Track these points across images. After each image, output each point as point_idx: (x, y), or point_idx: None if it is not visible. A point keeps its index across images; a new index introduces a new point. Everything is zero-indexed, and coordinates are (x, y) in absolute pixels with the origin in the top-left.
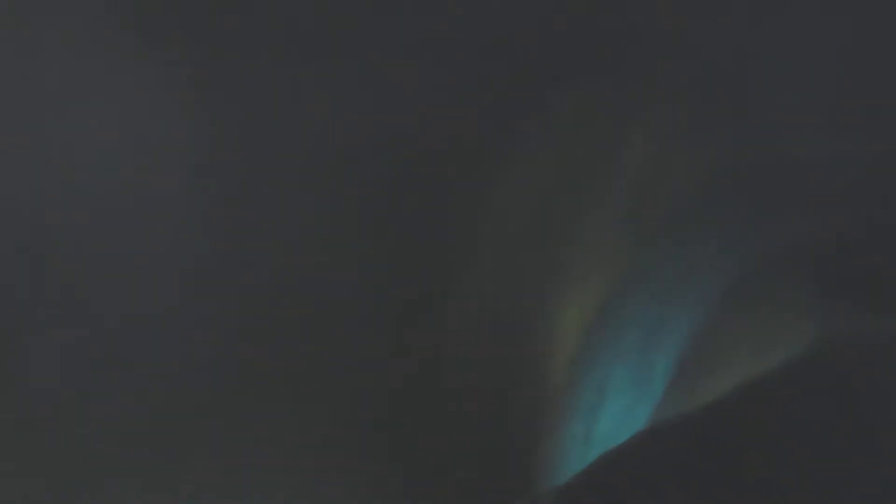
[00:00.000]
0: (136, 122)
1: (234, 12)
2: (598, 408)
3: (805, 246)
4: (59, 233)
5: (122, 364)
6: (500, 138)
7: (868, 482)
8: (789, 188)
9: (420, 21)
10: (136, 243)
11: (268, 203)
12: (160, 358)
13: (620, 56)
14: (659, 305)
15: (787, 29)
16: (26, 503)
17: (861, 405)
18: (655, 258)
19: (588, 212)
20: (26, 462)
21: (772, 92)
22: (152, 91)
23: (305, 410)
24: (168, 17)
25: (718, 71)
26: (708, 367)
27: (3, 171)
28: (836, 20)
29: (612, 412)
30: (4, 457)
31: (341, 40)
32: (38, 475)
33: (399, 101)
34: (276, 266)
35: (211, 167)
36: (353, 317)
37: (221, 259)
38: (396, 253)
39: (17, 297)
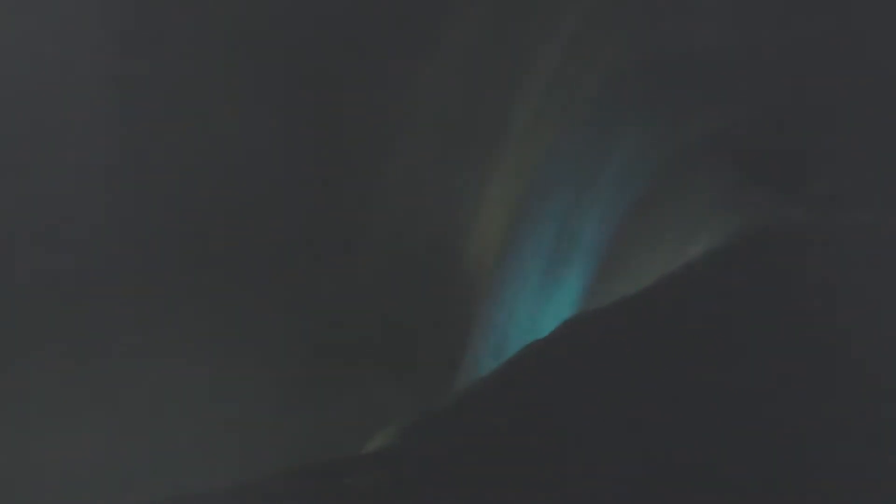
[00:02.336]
0: (56, 20)
1: None
2: (518, 297)
3: (724, 135)
4: None
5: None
6: (424, 27)
7: (789, 367)
8: (705, 78)
9: None
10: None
11: (185, 103)
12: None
13: None
14: (579, 194)
15: None
16: None
17: (782, 294)
18: (576, 147)
19: (509, 102)
20: None
21: None
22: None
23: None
24: None
25: None
26: (631, 258)
27: None
28: None
29: (531, 300)
30: None
31: None
32: None
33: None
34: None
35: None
36: (275, 204)
37: (135, 164)
38: (320, 140)
39: None
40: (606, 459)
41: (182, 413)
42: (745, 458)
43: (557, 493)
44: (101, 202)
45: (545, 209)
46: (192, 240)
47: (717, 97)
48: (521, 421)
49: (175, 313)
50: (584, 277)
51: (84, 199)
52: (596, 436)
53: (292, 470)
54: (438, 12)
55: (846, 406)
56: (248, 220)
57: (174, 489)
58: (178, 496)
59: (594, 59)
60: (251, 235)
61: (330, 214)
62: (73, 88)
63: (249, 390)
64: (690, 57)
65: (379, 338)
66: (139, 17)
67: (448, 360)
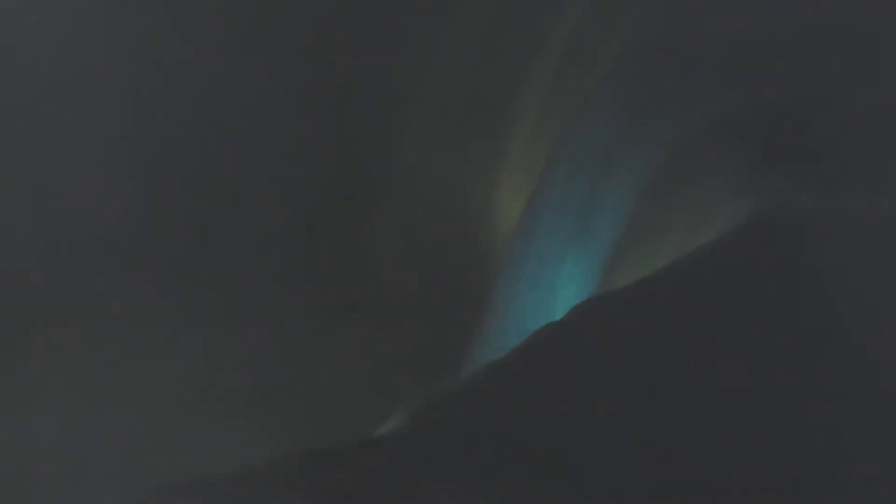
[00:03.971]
0: None
1: None
2: (539, 278)
3: (736, 120)
4: None
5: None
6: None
7: (798, 351)
8: (716, 63)
9: None
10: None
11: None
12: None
13: None
14: (595, 176)
15: None
16: None
17: (793, 277)
18: (588, 133)
19: (522, 85)
20: None
21: None
22: None
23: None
24: None
25: None
26: (644, 242)
27: None
28: None
29: (545, 284)
30: None
31: None
32: None
33: None
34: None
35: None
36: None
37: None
38: (335, 123)
39: None
40: (618, 444)
41: (188, 397)
42: (760, 441)
43: (568, 477)
44: (110, 184)
45: (559, 194)
46: (205, 224)
47: (729, 82)
48: (533, 405)
49: (183, 295)
50: (597, 261)
51: (92, 178)
52: (608, 420)
53: (301, 453)
54: None
55: (854, 387)
56: (262, 203)
57: (180, 474)
58: (185, 481)
59: (604, 45)
60: (264, 219)
61: (344, 197)
62: (78, 81)
63: (258, 374)
64: (701, 42)
65: (392, 321)
66: (147, 13)
67: (460, 343)
